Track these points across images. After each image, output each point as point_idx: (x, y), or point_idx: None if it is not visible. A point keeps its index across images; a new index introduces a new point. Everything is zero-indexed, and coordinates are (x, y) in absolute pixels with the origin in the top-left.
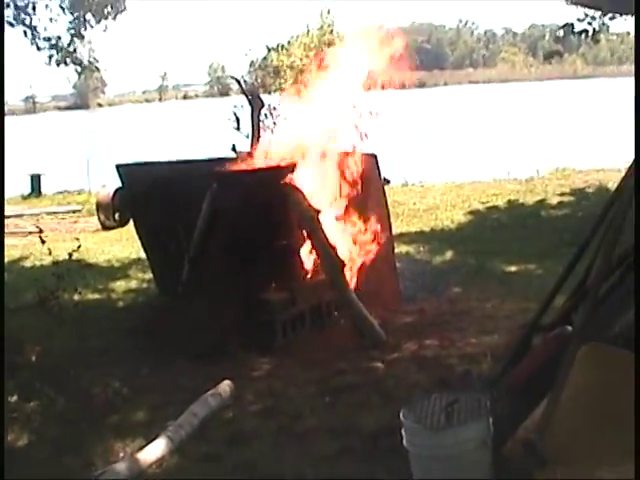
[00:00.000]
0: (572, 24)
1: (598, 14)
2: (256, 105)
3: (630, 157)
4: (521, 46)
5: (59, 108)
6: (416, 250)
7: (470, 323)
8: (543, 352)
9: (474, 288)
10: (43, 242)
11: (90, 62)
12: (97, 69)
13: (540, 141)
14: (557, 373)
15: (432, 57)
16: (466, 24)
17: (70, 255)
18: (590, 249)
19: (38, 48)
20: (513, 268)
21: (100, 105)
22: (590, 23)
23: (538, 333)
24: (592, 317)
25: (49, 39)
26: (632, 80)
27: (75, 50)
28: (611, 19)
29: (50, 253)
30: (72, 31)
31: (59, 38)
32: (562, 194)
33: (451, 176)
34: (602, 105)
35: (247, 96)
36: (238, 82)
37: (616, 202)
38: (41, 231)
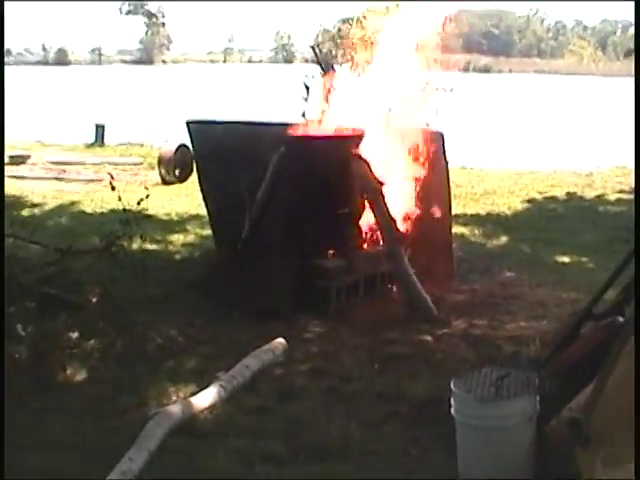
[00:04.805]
0: None
1: None
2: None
3: None
4: (591, 40)
5: (124, 62)
6: (471, 232)
7: (520, 307)
8: (593, 339)
9: (526, 274)
10: (113, 188)
11: (157, 16)
12: (163, 24)
13: (602, 137)
14: (605, 360)
15: (500, 43)
16: (536, 13)
17: (139, 203)
18: None
19: None
20: (566, 259)
21: (164, 62)
22: None
23: (589, 321)
24: None
25: None
26: None
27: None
28: None
29: (120, 199)
30: None
31: None
32: (621, 191)
33: (510, 163)
34: None
35: (321, 65)
36: (314, 50)
37: None
38: (112, 178)
